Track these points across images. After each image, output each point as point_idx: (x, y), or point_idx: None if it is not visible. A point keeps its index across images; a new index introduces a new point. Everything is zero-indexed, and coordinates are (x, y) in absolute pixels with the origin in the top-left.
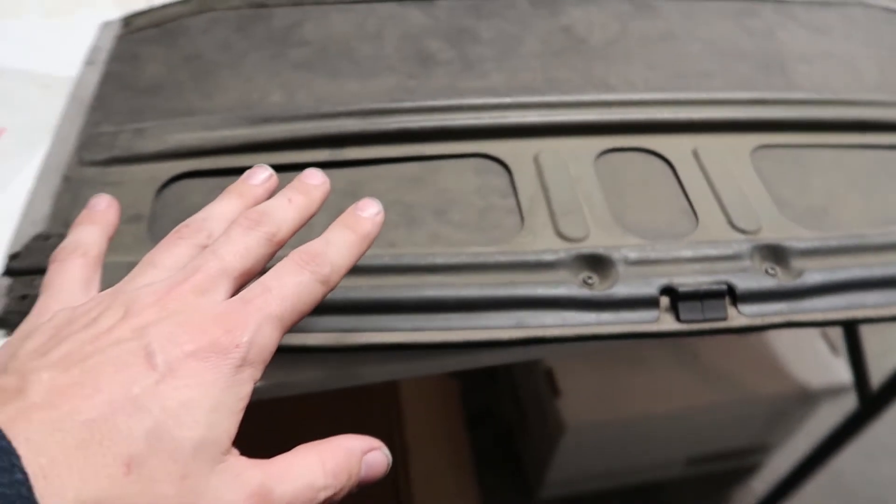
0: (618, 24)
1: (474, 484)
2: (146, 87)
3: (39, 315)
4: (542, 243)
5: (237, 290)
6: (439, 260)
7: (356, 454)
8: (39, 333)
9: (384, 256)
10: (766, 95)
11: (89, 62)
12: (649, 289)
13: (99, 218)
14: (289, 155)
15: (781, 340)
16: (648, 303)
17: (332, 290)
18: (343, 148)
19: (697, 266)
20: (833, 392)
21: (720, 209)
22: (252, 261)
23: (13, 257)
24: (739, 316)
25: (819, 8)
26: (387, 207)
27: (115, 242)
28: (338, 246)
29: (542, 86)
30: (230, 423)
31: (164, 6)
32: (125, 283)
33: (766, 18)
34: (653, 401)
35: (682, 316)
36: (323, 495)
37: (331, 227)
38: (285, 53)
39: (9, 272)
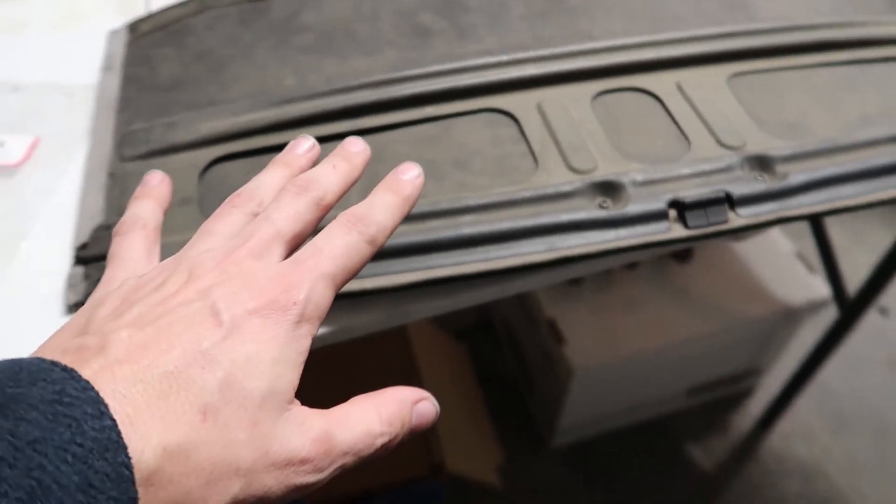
0: None
1: (494, 439)
2: (166, 85)
3: (108, 284)
4: (557, 178)
5: (289, 253)
6: (471, 202)
7: (408, 404)
8: (111, 299)
9: (422, 205)
10: (734, 29)
11: (107, 68)
12: (658, 204)
13: (154, 192)
14: (312, 130)
15: (763, 265)
16: (659, 216)
17: (378, 249)
18: (361, 118)
19: (697, 180)
20: (814, 307)
21: (708, 131)
22: (302, 224)
23: (82, 248)
24: (738, 218)
25: None
26: None
27: (171, 224)
28: (382, 208)
29: (532, 44)
30: (292, 375)
31: (165, 9)
32: (185, 250)
33: None
34: (651, 337)
35: (689, 223)
36: (380, 441)
37: (374, 191)
38: (290, 41)
39: (80, 261)
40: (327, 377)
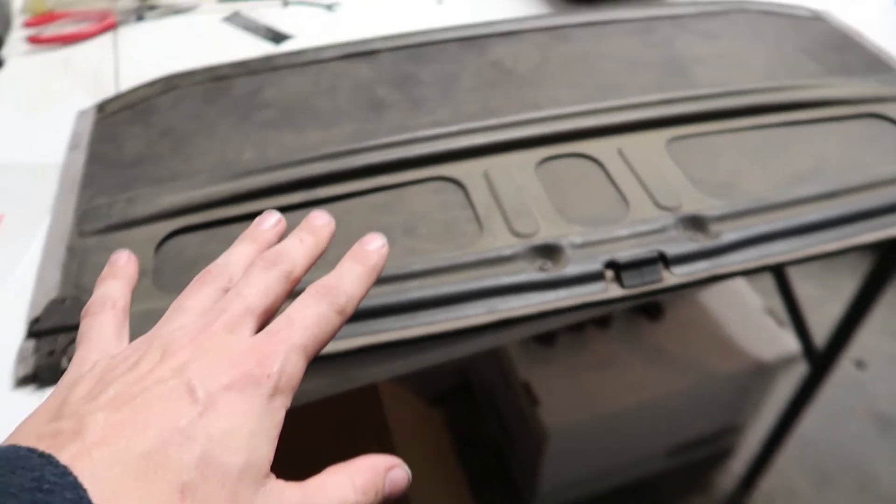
0: (538, 54)
1: None
2: (130, 162)
3: (81, 365)
4: (500, 242)
5: (261, 327)
6: (416, 267)
7: (380, 471)
8: (85, 381)
9: None
10: (672, 95)
11: (73, 147)
12: (595, 265)
13: (121, 272)
14: (269, 201)
15: (733, 321)
16: (596, 276)
17: (347, 319)
18: (316, 188)
19: (633, 241)
20: (786, 362)
21: (646, 194)
22: (272, 298)
23: (35, 321)
24: (672, 276)
25: (707, 18)
26: (363, 233)
27: None
28: (350, 278)
29: (481, 113)
30: (268, 448)
31: (132, 90)
32: (158, 328)
33: (663, 32)
34: (625, 395)
35: (625, 283)
36: None
37: (341, 262)
38: (251, 116)
39: (33, 334)
40: (298, 446)
